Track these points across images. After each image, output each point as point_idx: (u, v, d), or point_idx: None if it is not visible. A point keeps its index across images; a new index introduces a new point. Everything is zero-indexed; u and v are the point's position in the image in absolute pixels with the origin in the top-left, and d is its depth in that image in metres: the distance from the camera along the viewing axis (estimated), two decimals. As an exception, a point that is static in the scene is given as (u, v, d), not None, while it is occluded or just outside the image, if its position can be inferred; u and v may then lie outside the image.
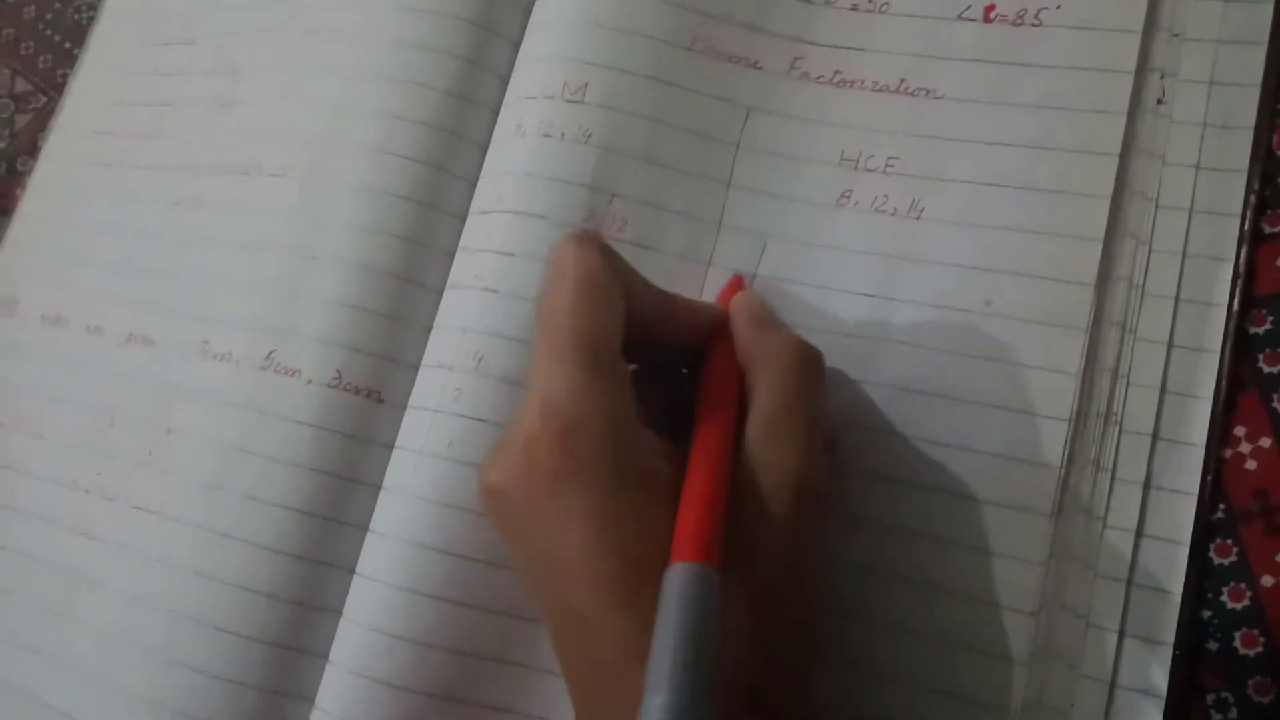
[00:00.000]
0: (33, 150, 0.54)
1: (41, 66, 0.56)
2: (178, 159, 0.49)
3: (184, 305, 0.45)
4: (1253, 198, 0.37)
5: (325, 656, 0.39)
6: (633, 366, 0.33)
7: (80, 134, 0.53)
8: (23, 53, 0.56)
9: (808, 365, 0.34)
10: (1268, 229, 0.37)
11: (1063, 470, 0.35)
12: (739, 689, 0.29)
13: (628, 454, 0.31)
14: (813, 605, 0.33)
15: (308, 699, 0.39)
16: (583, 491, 0.30)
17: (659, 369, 0.36)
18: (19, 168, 0.54)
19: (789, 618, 0.31)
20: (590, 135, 0.40)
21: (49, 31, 0.56)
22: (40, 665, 0.43)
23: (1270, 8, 0.37)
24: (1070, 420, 0.35)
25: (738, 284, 0.39)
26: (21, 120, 0.55)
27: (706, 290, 0.40)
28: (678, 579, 0.27)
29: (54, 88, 0.55)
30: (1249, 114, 0.37)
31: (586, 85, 0.41)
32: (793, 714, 0.31)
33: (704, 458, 0.31)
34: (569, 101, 0.41)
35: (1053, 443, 0.35)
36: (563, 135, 0.40)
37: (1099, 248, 0.36)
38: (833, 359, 0.37)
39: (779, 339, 0.35)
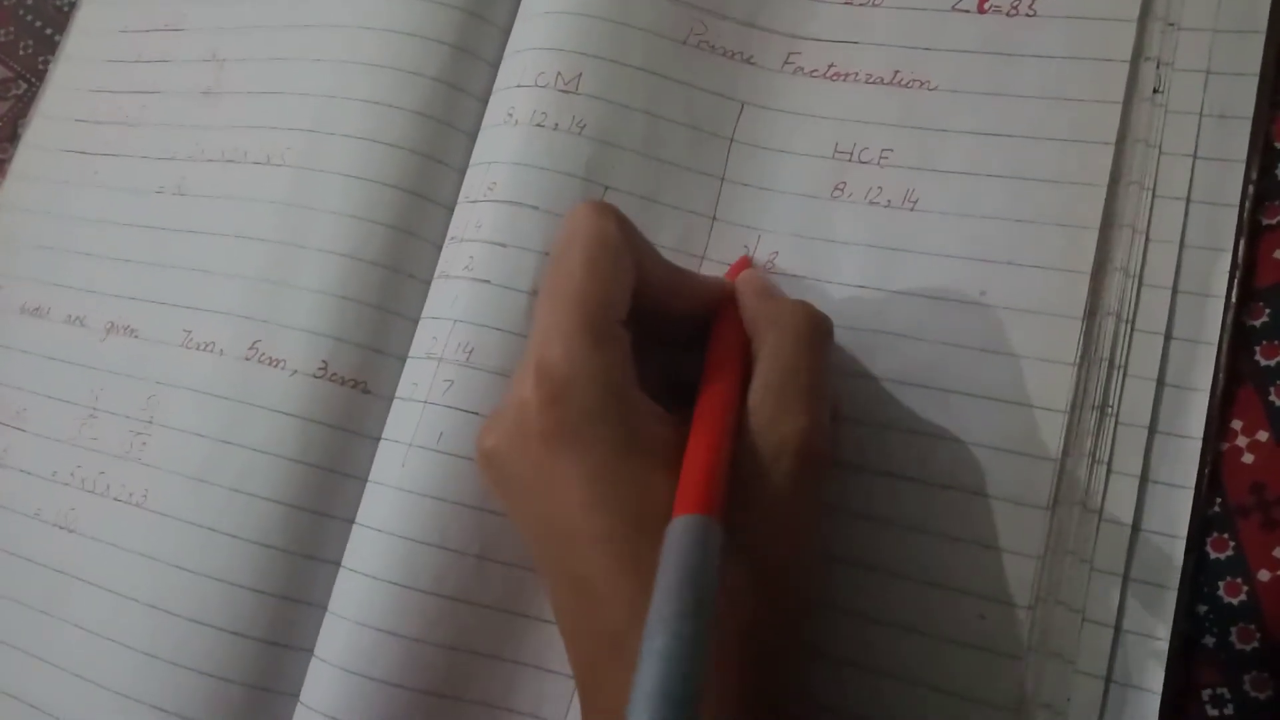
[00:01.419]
0: (13, 138, 0.54)
1: (22, 53, 0.56)
2: (161, 147, 0.49)
3: (167, 295, 0.45)
4: (1251, 188, 0.37)
5: (311, 651, 0.39)
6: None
7: (62, 121, 0.53)
8: (2, 39, 0.56)
9: (814, 329, 0.34)
10: (1266, 220, 0.37)
11: (1059, 463, 0.35)
12: (737, 636, 0.29)
13: (623, 417, 0.31)
14: (808, 567, 0.34)
15: (293, 695, 0.39)
16: (577, 454, 0.30)
17: (662, 342, 0.36)
18: (-1, 155, 0.54)
19: (786, 573, 0.32)
20: (584, 126, 0.40)
21: (30, 17, 0.56)
22: (21, 662, 0.43)
23: (1269, -2, 0.38)
24: (1066, 412, 0.35)
25: (746, 263, 0.39)
26: (1, 107, 0.55)
27: (701, 282, 0.40)
28: (679, 530, 0.28)
29: (35, 74, 0.55)
30: (1247, 104, 0.37)
31: (580, 76, 0.41)
32: (788, 663, 0.31)
33: (707, 418, 0.32)
34: (562, 91, 0.41)
35: (1049, 435, 0.35)
36: (556, 125, 0.40)
37: (1095, 237, 0.37)
38: (827, 351, 0.38)
39: (786, 304, 0.35)
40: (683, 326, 0.37)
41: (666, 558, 0.27)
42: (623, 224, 0.33)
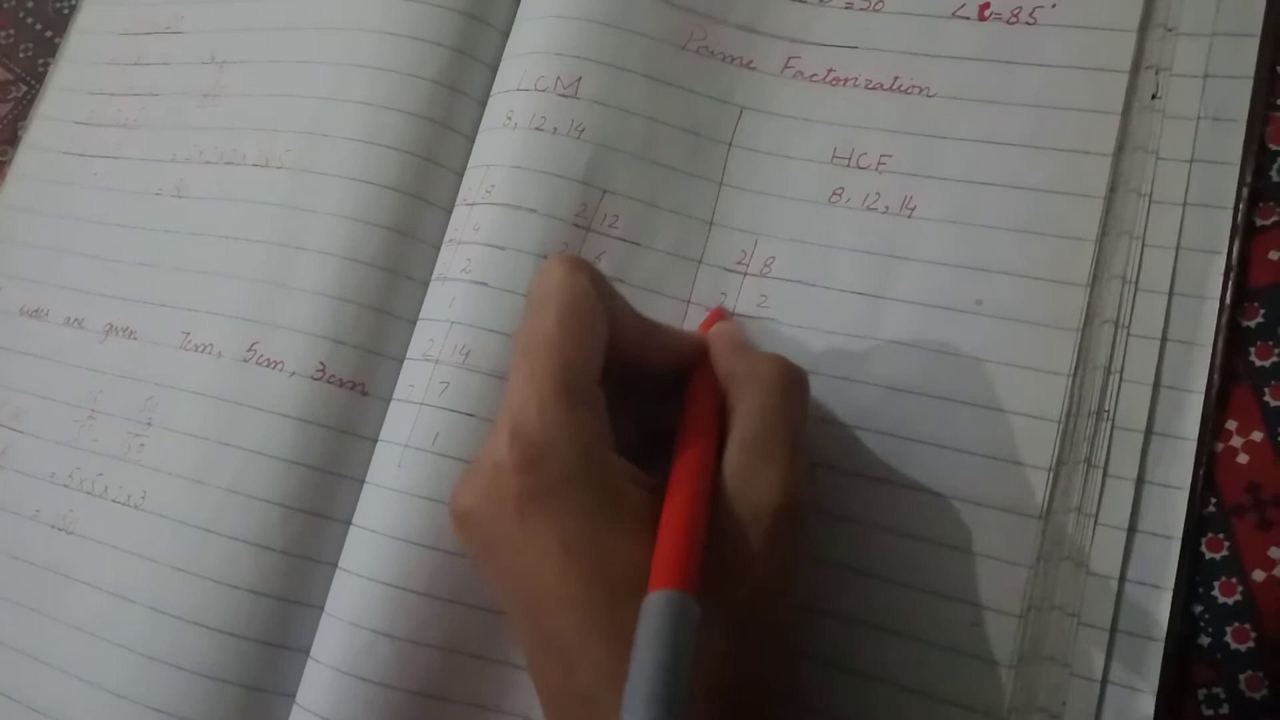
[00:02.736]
0: (13, 140, 0.55)
1: (22, 55, 0.57)
2: (161, 149, 0.49)
3: (166, 296, 0.46)
4: (1245, 190, 0.37)
5: (307, 653, 0.39)
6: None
7: (61, 123, 0.53)
8: (2, 41, 0.57)
9: (789, 384, 0.34)
10: (1259, 221, 0.38)
11: (1052, 472, 0.36)
12: (716, 710, 0.29)
13: (598, 480, 0.31)
14: (790, 622, 0.34)
15: (289, 695, 0.39)
16: (551, 517, 0.31)
17: (636, 394, 0.36)
18: (-2, 157, 0.55)
19: (766, 637, 0.32)
20: (583, 130, 0.41)
21: (30, 20, 0.57)
22: (18, 663, 0.43)
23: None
24: (1060, 422, 0.36)
25: (719, 315, 0.40)
26: (1, 110, 0.56)
27: (696, 288, 0.41)
28: (655, 607, 0.28)
29: (35, 77, 0.56)
30: (1241, 106, 0.38)
31: (580, 80, 0.42)
32: (769, 714, 0.31)
33: (683, 482, 0.32)
34: (562, 96, 0.42)
35: (1043, 444, 0.36)
36: (555, 129, 0.41)
37: (1092, 248, 0.37)
38: (822, 358, 0.38)
39: (759, 359, 0.35)
40: (658, 378, 0.37)
41: (642, 635, 0.27)
42: (596, 280, 0.34)
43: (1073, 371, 0.36)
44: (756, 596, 0.31)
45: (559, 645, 0.30)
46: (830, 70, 0.42)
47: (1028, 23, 0.40)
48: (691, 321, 0.40)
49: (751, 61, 0.43)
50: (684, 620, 0.27)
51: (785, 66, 0.43)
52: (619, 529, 0.31)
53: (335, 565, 0.40)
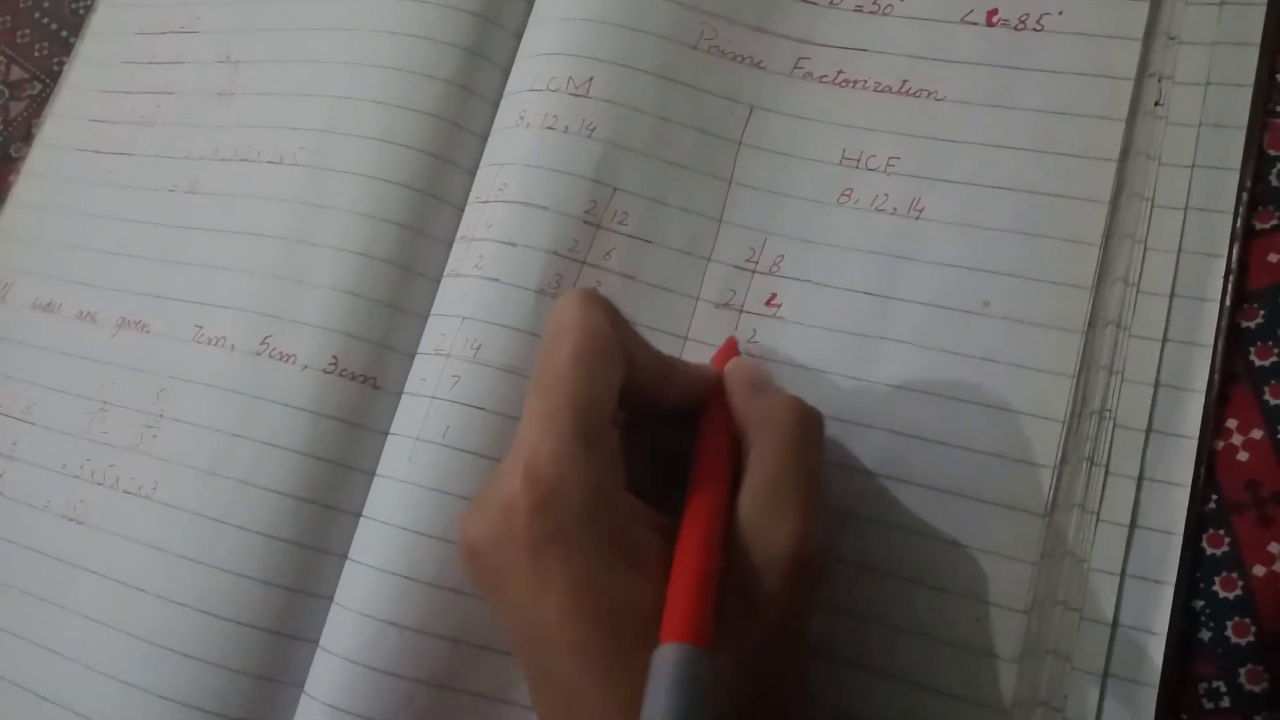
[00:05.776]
0: (27, 137, 0.56)
1: (37, 55, 0.58)
2: (175, 147, 0.50)
3: (178, 291, 0.47)
4: (1245, 195, 0.38)
5: (317, 642, 0.40)
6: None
7: (76, 121, 0.54)
8: (18, 40, 0.58)
9: (806, 426, 0.34)
10: (1259, 225, 0.39)
11: (1056, 470, 0.36)
12: None
13: (610, 523, 0.31)
14: (802, 669, 0.34)
15: (298, 685, 0.40)
16: (562, 559, 0.30)
17: (648, 425, 0.36)
18: (12, 154, 0.56)
19: (774, 675, 0.32)
20: (594, 129, 0.42)
21: (46, 20, 0.58)
22: (29, 653, 0.44)
23: (1263, 9, 0.39)
24: (1065, 421, 0.37)
25: (733, 347, 0.40)
26: (16, 107, 0.57)
27: (705, 285, 0.41)
28: (668, 661, 0.28)
29: (50, 76, 0.57)
30: (1241, 113, 0.39)
31: (591, 80, 0.43)
32: None
33: (697, 529, 0.32)
34: (573, 95, 0.42)
35: (1047, 443, 0.37)
36: (566, 128, 0.42)
37: (1097, 251, 0.38)
38: (830, 356, 0.39)
39: (777, 400, 0.35)
40: (671, 411, 0.37)
41: (653, 690, 0.27)
42: (613, 315, 0.34)
43: (1077, 372, 0.37)
44: (768, 643, 0.31)
45: (563, 688, 0.31)
46: (840, 71, 0.43)
47: (1035, 29, 0.41)
48: (700, 321, 0.41)
49: (761, 61, 0.44)
50: (697, 675, 0.28)
51: (795, 67, 0.44)
52: (629, 574, 0.31)
53: (345, 556, 0.41)
